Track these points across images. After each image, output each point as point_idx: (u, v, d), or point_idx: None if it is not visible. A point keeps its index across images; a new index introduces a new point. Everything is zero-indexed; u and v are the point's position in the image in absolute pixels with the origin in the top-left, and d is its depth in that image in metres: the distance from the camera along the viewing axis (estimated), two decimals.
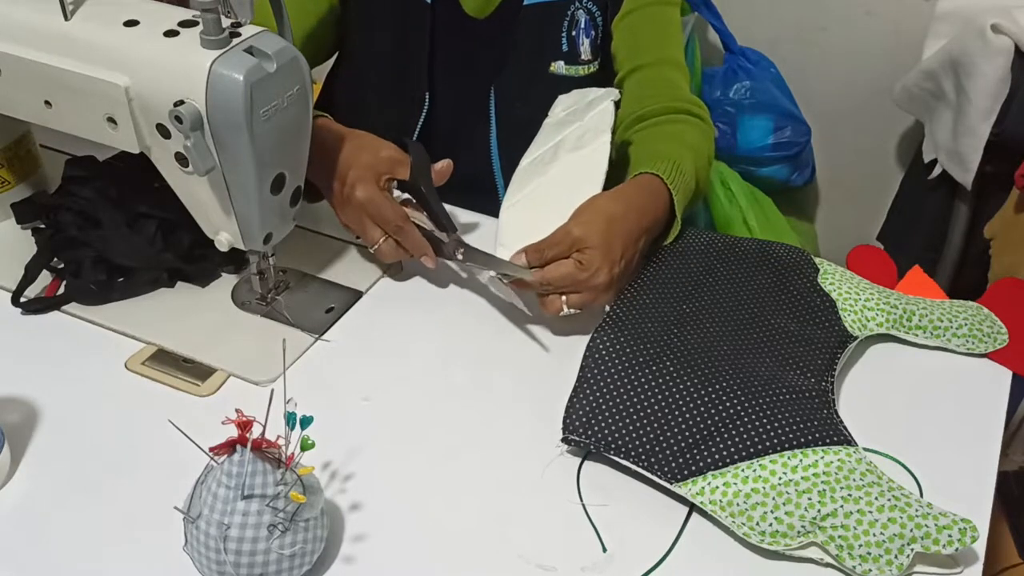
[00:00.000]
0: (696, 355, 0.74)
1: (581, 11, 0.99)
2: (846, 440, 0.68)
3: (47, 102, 0.76)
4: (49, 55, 0.73)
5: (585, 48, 1.00)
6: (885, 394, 0.79)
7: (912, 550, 0.62)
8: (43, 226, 0.89)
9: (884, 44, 1.63)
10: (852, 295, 0.83)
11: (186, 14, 0.73)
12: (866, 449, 0.71)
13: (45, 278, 0.86)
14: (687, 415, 0.70)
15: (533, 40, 1.00)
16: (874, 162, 1.77)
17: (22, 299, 0.84)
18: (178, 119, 0.68)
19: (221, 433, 0.57)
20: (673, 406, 0.70)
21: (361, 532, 0.66)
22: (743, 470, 0.66)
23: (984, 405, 0.78)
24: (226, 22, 0.69)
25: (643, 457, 0.68)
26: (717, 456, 0.67)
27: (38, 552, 0.64)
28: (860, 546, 0.62)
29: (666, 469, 0.68)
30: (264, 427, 0.57)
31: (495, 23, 1.00)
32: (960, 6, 1.41)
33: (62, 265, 0.86)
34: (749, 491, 0.65)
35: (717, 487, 0.66)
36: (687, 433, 0.69)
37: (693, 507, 0.68)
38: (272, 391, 0.59)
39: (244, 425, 0.56)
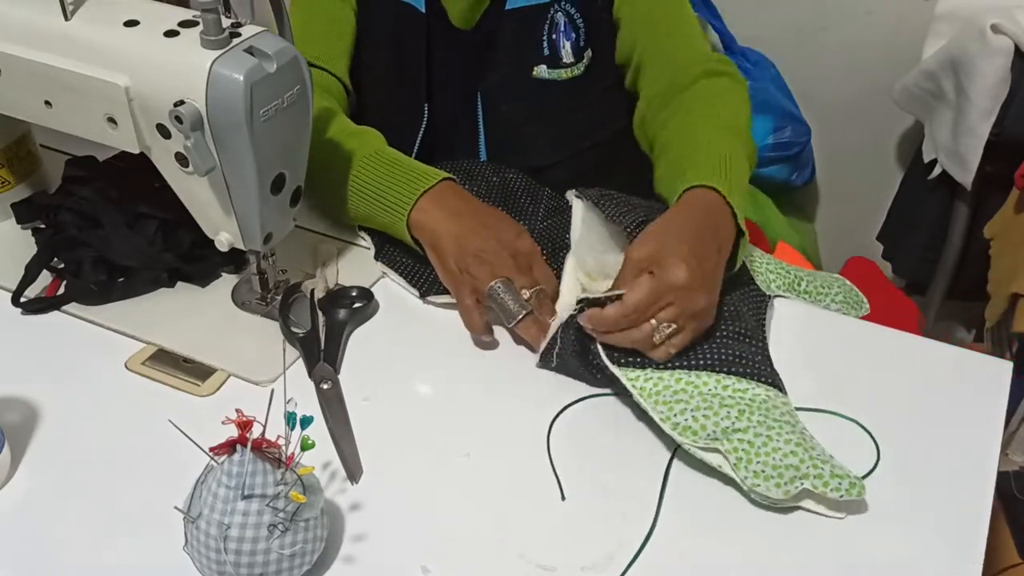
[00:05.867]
0: None
1: (560, 13, 0.99)
2: (779, 387, 0.74)
3: (47, 102, 0.76)
4: (49, 55, 0.74)
5: (567, 51, 1.00)
6: (886, 393, 0.79)
7: (801, 484, 0.66)
8: (43, 226, 0.89)
9: (884, 44, 1.62)
10: (756, 262, 0.91)
11: (186, 14, 0.73)
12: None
13: (45, 278, 0.86)
14: None
15: (516, 46, 0.99)
16: (874, 162, 1.76)
17: (22, 299, 0.84)
18: (178, 119, 0.68)
19: (221, 433, 0.57)
20: None
21: (361, 532, 0.66)
22: (682, 376, 0.74)
23: (984, 405, 0.78)
24: (226, 22, 0.69)
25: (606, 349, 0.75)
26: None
27: (38, 552, 0.64)
28: (757, 463, 0.67)
29: (619, 357, 0.75)
30: (264, 427, 0.57)
31: (481, 33, 1.00)
32: (960, 6, 1.40)
33: (62, 265, 0.86)
34: (678, 389, 0.73)
35: (651, 378, 0.74)
36: None
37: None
38: (272, 391, 0.59)
39: (244, 425, 0.56)
